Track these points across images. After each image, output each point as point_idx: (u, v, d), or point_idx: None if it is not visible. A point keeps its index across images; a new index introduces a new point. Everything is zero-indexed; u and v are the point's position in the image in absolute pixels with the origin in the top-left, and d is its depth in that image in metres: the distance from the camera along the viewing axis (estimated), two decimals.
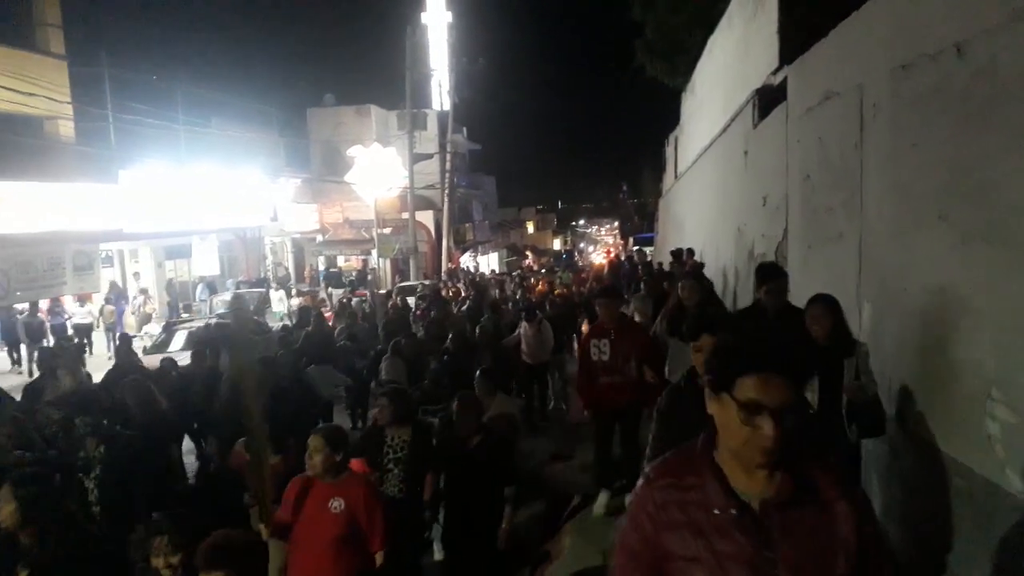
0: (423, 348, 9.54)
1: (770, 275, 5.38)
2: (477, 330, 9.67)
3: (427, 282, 23.60)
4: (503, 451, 5.10)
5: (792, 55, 7.29)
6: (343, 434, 4.31)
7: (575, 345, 13.01)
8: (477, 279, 25.41)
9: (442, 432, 5.75)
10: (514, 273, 30.19)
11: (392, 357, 8.77)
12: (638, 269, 17.39)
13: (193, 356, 9.20)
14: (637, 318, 8.70)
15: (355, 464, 4.56)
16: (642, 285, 10.17)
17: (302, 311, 15.02)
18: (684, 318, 4.92)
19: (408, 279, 26.82)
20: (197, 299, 22.55)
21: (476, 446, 4.92)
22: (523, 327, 10.09)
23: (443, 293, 18.64)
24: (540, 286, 19.82)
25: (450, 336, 9.18)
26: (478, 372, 6.55)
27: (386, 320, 13.39)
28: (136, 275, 23.21)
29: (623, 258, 29.53)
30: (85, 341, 17.15)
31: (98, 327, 18.98)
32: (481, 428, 5.09)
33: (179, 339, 13.92)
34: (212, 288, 23.16)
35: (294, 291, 23.42)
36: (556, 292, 16.62)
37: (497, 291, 19.57)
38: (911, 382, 4.15)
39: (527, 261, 46.21)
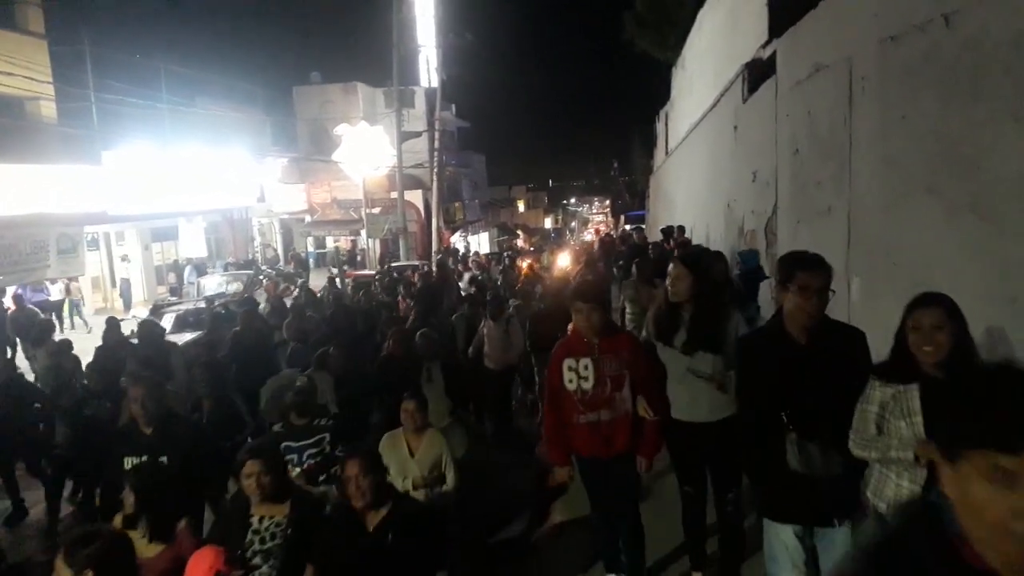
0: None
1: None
2: (417, 337, 6.66)
3: (417, 262, 23.28)
4: (422, 529, 3.54)
5: (781, 28, 7.23)
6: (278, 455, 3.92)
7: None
8: (439, 258, 21.90)
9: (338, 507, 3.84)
10: (504, 253, 27.43)
11: (317, 372, 6.50)
12: (639, 251, 13.41)
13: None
14: (628, 313, 7.65)
15: (205, 556, 3.25)
16: (633, 268, 8.14)
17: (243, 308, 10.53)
18: (670, 318, 3.91)
19: (398, 259, 26.74)
20: (185, 281, 22.35)
21: (378, 527, 3.46)
22: (486, 325, 8.29)
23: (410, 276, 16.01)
24: (525, 269, 17.78)
25: (388, 341, 6.95)
26: (374, 415, 5.64)
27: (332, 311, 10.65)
28: (124, 257, 23.02)
29: (615, 236, 26.53)
30: (54, 317, 17.07)
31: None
32: (386, 498, 3.54)
33: (167, 322, 13.83)
34: (201, 270, 22.98)
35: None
36: (552, 275, 14.21)
37: (477, 273, 16.96)
38: None
39: (519, 240, 46.12)
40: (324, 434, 4.86)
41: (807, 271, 3.12)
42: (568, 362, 3.94)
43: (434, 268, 17.78)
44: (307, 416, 4.92)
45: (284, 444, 4.70)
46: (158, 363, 7.48)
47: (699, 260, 4.16)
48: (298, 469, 4.67)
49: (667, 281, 4.00)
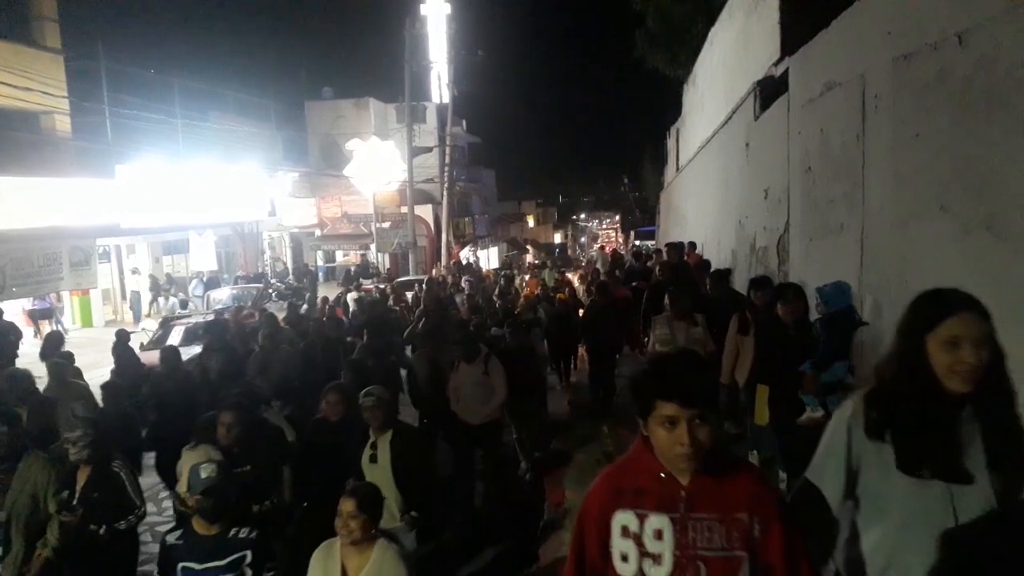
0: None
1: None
2: (361, 397, 4.77)
3: (423, 277, 23.18)
4: None
5: (794, 46, 7.23)
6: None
7: (571, 370, 10.91)
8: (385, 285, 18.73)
9: None
10: (502, 272, 23.72)
11: (199, 448, 4.97)
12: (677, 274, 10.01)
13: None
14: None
15: None
16: (666, 299, 6.67)
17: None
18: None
19: (408, 273, 26.76)
20: (191, 294, 22.38)
21: None
22: (457, 366, 6.57)
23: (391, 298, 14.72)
24: (527, 289, 16.14)
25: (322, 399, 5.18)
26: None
27: (307, 344, 8.60)
28: (135, 270, 23.14)
29: (625, 253, 24.56)
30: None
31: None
32: None
33: (176, 335, 13.86)
34: (213, 283, 23.01)
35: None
36: (558, 296, 12.43)
37: (469, 293, 15.22)
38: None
39: (528, 255, 46.09)
40: (244, 552, 3.41)
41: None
42: (623, 519, 2.03)
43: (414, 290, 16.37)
44: (219, 522, 3.45)
45: (181, 566, 3.41)
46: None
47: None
48: None
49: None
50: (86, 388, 8.16)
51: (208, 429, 4.75)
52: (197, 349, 11.10)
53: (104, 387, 6.68)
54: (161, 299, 21.41)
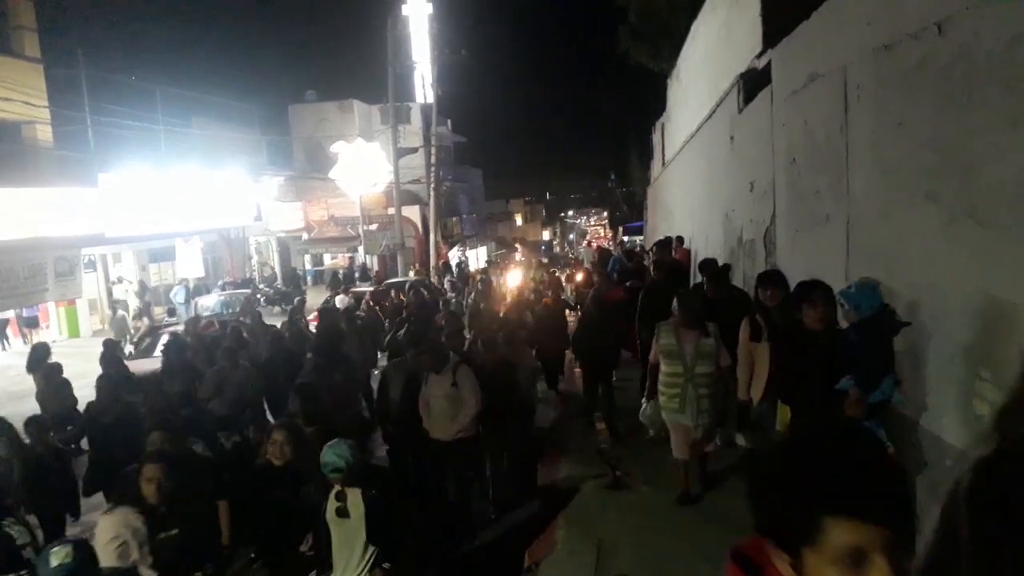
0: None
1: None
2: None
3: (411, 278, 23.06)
4: None
5: (776, 38, 7.24)
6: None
7: (560, 381, 10.33)
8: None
9: None
10: (478, 271, 22.53)
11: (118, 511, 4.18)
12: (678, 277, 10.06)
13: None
14: (665, 375, 5.60)
15: None
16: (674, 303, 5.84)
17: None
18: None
19: (396, 275, 26.68)
20: (174, 302, 22.13)
21: None
22: (427, 378, 6.06)
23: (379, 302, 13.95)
24: (511, 291, 14.74)
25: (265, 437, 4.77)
26: None
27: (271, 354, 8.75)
28: (119, 279, 22.97)
29: (614, 249, 23.29)
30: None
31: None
32: None
33: (163, 343, 13.75)
34: (199, 291, 22.79)
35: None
36: (544, 300, 11.60)
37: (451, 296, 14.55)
38: (901, 363, 4.11)
39: (517, 254, 46.05)
40: None
41: None
42: None
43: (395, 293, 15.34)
44: None
45: None
46: None
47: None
48: None
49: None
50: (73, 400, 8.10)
51: (130, 486, 3.93)
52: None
53: (28, 423, 5.83)
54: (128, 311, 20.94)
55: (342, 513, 3.83)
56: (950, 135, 3.71)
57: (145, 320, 19.31)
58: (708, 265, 8.17)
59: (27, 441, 5.64)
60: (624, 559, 5.14)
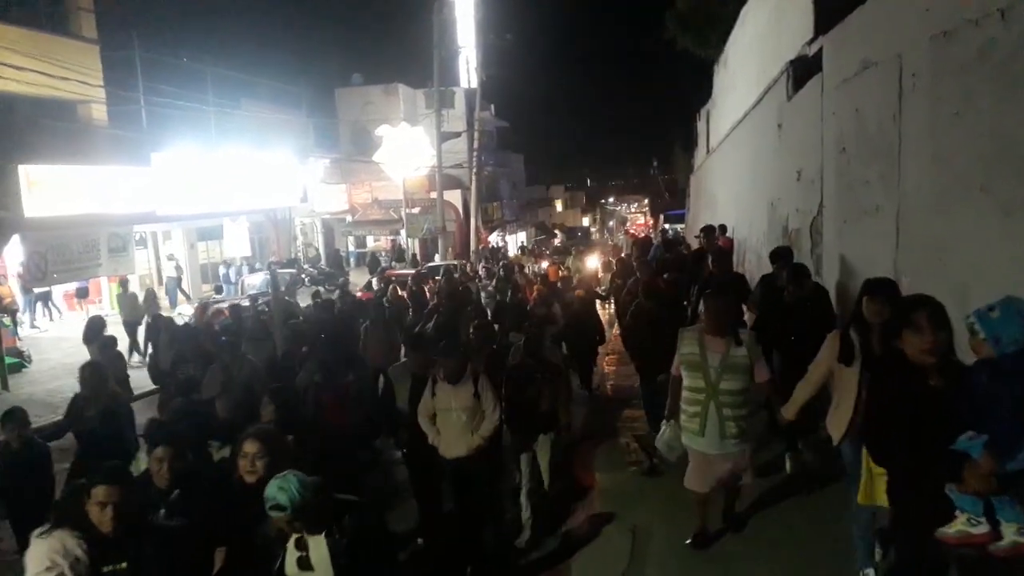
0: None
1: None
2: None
3: (454, 262, 23.08)
4: None
5: (828, 24, 7.09)
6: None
7: (593, 378, 9.74)
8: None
9: None
10: (500, 263, 20.17)
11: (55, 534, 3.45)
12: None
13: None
14: (689, 389, 4.66)
15: None
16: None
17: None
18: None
19: (433, 259, 26.85)
20: (222, 281, 22.73)
21: None
22: (434, 388, 5.27)
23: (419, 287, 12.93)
24: (537, 284, 13.54)
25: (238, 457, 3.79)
26: None
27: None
28: (170, 256, 23.55)
29: (654, 238, 21.16)
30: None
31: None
32: None
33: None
34: (248, 268, 23.14)
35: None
36: (576, 293, 10.70)
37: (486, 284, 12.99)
38: None
39: (556, 240, 45.95)
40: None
41: None
42: None
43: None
44: None
45: None
46: None
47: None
48: None
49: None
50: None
51: (74, 503, 3.18)
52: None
53: (4, 417, 5.31)
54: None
55: (304, 565, 3.09)
56: (1010, 126, 3.61)
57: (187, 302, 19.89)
58: (784, 255, 6.77)
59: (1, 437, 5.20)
60: (659, 545, 5.16)
